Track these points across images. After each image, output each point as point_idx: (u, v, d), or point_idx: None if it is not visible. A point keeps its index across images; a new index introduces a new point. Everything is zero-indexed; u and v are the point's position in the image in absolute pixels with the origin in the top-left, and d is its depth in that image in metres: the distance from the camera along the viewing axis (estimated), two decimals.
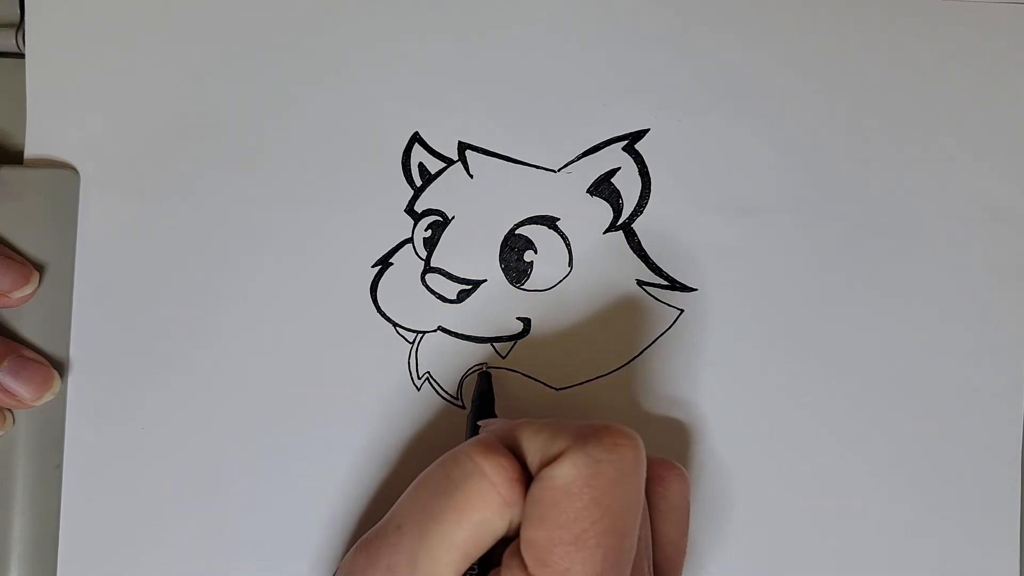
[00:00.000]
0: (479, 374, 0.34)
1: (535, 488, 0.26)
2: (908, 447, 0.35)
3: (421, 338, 0.35)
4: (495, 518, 0.26)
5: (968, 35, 0.35)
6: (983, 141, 0.35)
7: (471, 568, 0.27)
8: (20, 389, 0.33)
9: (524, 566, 0.26)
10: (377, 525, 0.28)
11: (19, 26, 0.35)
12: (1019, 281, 0.35)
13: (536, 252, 0.35)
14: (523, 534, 0.26)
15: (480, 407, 0.33)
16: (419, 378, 0.35)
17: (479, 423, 0.31)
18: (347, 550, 0.34)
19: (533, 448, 0.27)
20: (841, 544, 0.35)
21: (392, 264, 0.35)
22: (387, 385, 0.35)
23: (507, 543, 0.27)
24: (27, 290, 0.33)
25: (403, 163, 0.35)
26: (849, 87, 0.35)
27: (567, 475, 0.26)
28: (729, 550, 0.35)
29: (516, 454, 0.27)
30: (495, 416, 0.33)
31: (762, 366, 0.35)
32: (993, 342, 0.35)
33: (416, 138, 0.35)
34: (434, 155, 0.35)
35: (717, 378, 0.35)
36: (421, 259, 0.35)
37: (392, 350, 0.35)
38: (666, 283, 0.35)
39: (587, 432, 0.26)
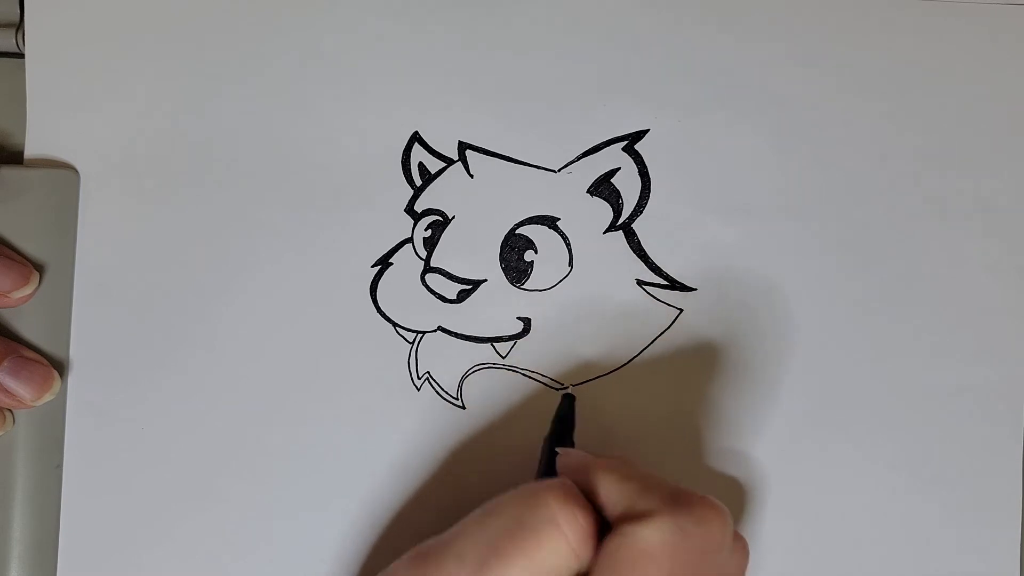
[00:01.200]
0: (563, 395, 0.34)
1: (614, 542, 0.26)
2: (908, 447, 0.35)
3: (421, 338, 0.35)
4: (561, 567, 0.26)
5: (968, 35, 0.35)
6: (983, 141, 0.35)
7: None
8: (20, 389, 0.33)
9: None
10: (436, 541, 0.28)
11: (19, 26, 0.35)
12: (1019, 281, 0.35)
13: (536, 252, 0.35)
14: None
15: (559, 432, 0.33)
16: (419, 378, 0.35)
17: (557, 450, 0.31)
18: (348, 549, 0.34)
19: (615, 497, 0.27)
20: (842, 544, 0.35)
21: (392, 264, 0.35)
22: (387, 385, 0.35)
23: None
24: (27, 290, 0.33)
25: (403, 163, 0.35)
26: (849, 87, 0.35)
27: (652, 539, 0.25)
28: None
29: (589, 491, 0.27)
30: (573, 444, 0.33)
31: (761, 366, 0.35)
32: (993, 342, 0.35)
33: (416, 138, 0.35)
34: (434, 155, 0.35)
35: (717, 378, 0.35)
36: (421, 259, 0.35)
37: (392, 350, 0.35)
38: (666, 283, 0.35)
39: (680, 498, 0.26)
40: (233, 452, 0.34)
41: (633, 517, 0.26)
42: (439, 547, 0.27)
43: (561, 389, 0.35)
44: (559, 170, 0.35)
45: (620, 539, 0.25)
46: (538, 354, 0.35)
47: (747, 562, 0.30)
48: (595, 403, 0.35)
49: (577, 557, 0.26)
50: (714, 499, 0.26)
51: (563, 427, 0.33)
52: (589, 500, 0.27)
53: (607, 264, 0.35)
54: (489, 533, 0.27)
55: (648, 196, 0.35)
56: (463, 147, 0.35)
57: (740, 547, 0.30)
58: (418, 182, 0.35)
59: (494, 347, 0.35)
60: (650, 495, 0.26)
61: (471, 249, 0.35)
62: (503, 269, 0.35)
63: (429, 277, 0.35)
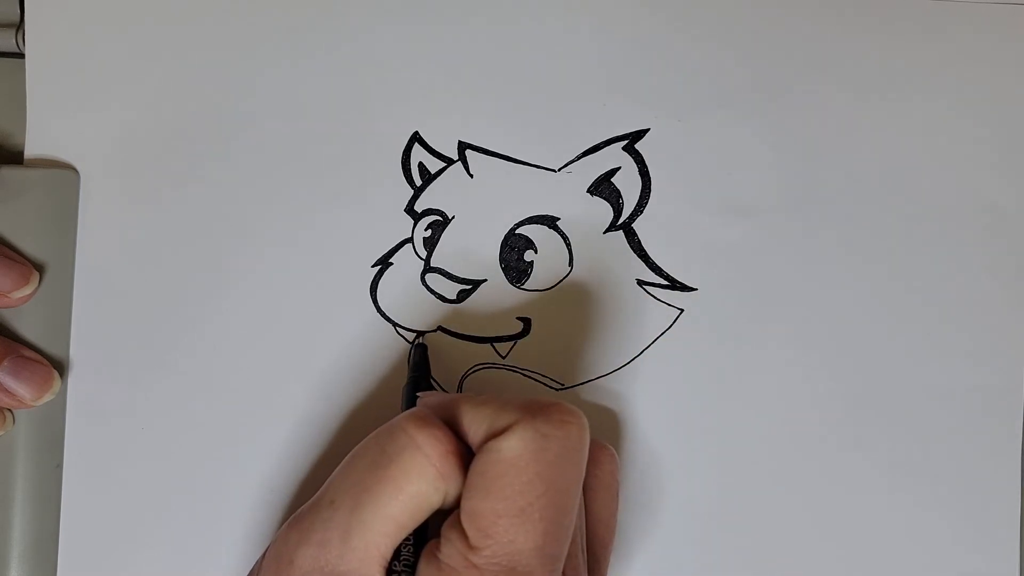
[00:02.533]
0: (415, 346, 0.34)
1: (480, 459, 0.26)
2: (908, 447, 0.35)
3: (421, 338, 0.35)
4: (430, 490, 0.26)
5: (968, 35, 0.35)
6: (983, 141, 0.35)
7: (406, 540, 0.27)
8: (20, 389, 0.33)
9: (465, 537, 0.26)
10: (310, 500, 0.28)
11: (19, 26, 0.35)
12: (1019, 281, 0.35)
13: (536, 252, 0.35)
14: (465, 505, 0.26)
15: (416, 379, 0.33)
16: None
17: (418, 394, 0.31)
18: None
19: (476, 421, 0.27)
20: (842, 544, 0.35)
21: (392, 264, 0.35)
22: (387, 385, 0.35)
23: (440, 516, 0.27)
24: (27, 290, 0.33)
25: (403, 163, 0.35)
26: (849, 87, 0.35)
27: (515, 448, 0.26)
28: (740, 552, 0.35)
29: (453, 427, 0.28)
30: (431, 388, 0.33)
31: (762, 366, 0.35)
32: (993, 342, 0.35)
33: (416, 138, 0.35)
34: (434, 155, 0.35)
35: (717, 378, 0.35)
36: (421, 259, 0.35)
37: (392, 350, 0.35)
38: (666, 283, 0.35)
39: (536, 408, 0.27)
40: (233, 452, 0.34)
41: (495, 434, 0.26)
42: (311, 505, 0.28)
43: (560, 388, 0.35)
44: (559, 170, 0.35)
45: (485, 456, 0.26)
46: (538, 354, 0.35)
47: (617, 468, 0.31)
48: (595, 403, 0.35)
49: (442, 477, 0.26)
50: (567, 403, 0.27)
51: (420, 373, 0.33)
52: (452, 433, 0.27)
53: (607, 264, 0.35)
54: (356, 474, 0.27)
55: (648, 196, 0.35)
56: (463, 147, 0.35)
57: (606, 455, 0.31)
58: (418, 182, 0.35)
59: (494, 347, 0.35)
60: (507, 411, 0.27)
61: (471, 249, 0.35)
62: (503, 269, 0.35)
63: (429, 277, 0.35)
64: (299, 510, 0.28)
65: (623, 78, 0.35)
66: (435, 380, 0.35)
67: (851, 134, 0.35)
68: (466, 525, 0.26)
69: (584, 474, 0.28)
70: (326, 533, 0.26)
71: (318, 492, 0.28)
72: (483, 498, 0.26)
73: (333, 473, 0.28)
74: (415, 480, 0.26)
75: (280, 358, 0.35)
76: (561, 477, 0.26)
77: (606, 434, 0.35)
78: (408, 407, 0.32)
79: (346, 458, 0.28)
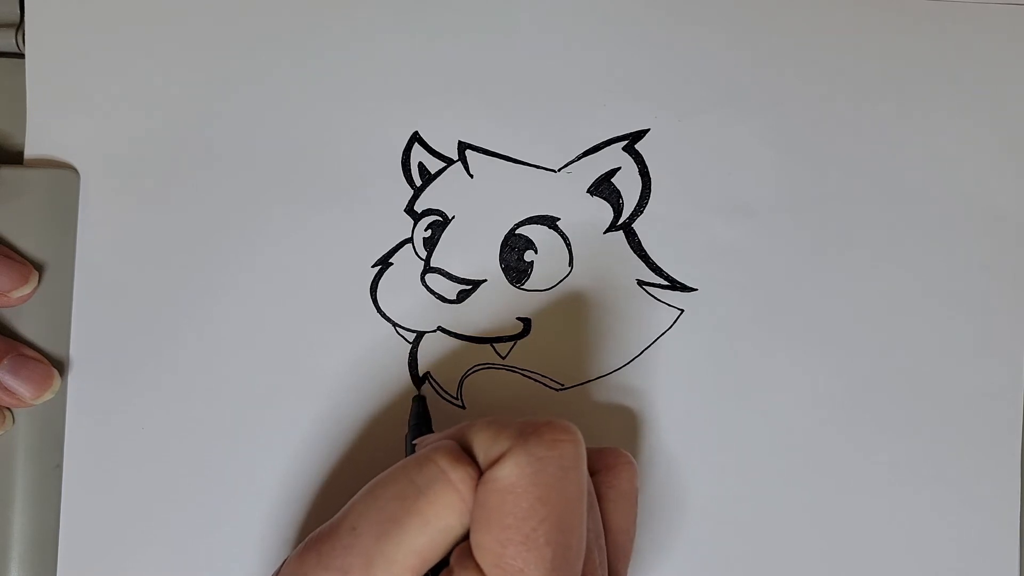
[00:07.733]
0: (414, 398, 0.34)
1: (481, 491, 0.26)
2: (908, 446, 0.35)
3: (421, 338, 0.35)
4: (457, 525, 0.26)
5: (968, 35, 0.35)
6: (983, 141, 0.35)
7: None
8: (20, 388, 0.33)
9: (479, 569, 0.26)
10: (327, 524, 0.28)
11: (19, 26, 0.35)
12: (1018, 281, 0.35)
13: (536, 252, 0.35)
14: (473, 538, 0.26)
15: (417, 428, 0.33)
16: (419, 378, 0.35)
17: (414, 442, 0.31)
18: None
19: (476, 448, 0.27)
20: (841, 545, 0.35)
21: (392, 264, 0.35)
22: (387, 385, 0.35)
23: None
24: (26, 290, 0.33)
25: (403, 163, 0.35)
26: (848, 87, 0.35)
27: (510, 475, 0.26)
28: (739, 552, 0.35)
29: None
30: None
31: (762, 366, 0.35)
32: (992, 342, 0.35)
33: (416, 138, 0.35)
34: (434, 155, 0.35)
35: (717, 378, 0.35)
36: (421, 259, 0.35)
37: (392, 350, 0.35)
38: (666, 283, 0.35)
39: (527, 430, 0.26)
40: (233, 451, 0.34)
41: (492, 462, 0.26)
42: (330, 529, 0.27)
43: (560, 389, 0.35)
44: (559, 170, 0.35)
45: (485, 486, 0.26)
46: (538, 354, 0.35)
47: (635, 475, 0.31)
48: (595, 403, 0.35)
49: (470, 513, 0.26)
50: (561, 420, 0.27)
51: (421, 423, 0.33)
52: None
53: (607, 264, 0.35)
54: (381, 502, 0.27)
55: (648, 196, 0.35)
56: (463, 147, 0.35)
57: (623, 462, 0.31)
58: (418, 182, 0.35)
59: (494, 347, 0.35)
60: (500, 437, 0.26)
61: (471, 249, 0.35)
62: (503, 269, 0.35)
63: (429, 277, 0.35)
64: (316, 532, 0.28)
65: (623, 78, 0.35)
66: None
67: (851, 134, 0.35)
68: (478, 558, 0.26)
69: (585, 488, 0.27)
70: (347, 560, 0.26)
71: (337, 515, 0.28)
72: (487, 530, 0.25)
73: (354, 498, 0.28)
74: (444, 515, 0.26)
75: (280, 358, 0.35)
76: (562, 498, 0.26)
77: (606, 434, 0.35)
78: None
79: (368, 484, 0.28)
